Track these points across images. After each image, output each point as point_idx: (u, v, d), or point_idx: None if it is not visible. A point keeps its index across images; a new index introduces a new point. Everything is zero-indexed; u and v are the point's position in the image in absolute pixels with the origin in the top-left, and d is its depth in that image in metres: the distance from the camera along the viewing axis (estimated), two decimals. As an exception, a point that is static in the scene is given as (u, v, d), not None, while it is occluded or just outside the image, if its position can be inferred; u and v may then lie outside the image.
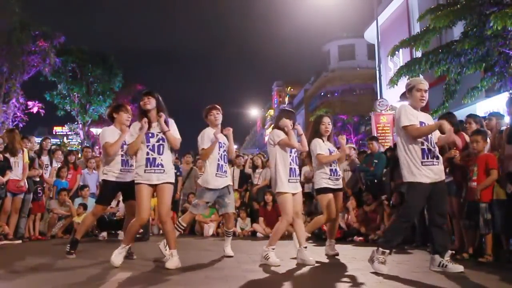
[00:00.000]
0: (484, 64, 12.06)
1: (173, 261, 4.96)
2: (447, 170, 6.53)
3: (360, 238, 8.53)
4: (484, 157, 5.84)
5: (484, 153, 5.91)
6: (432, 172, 4.84)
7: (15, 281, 4.51)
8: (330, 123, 6.38)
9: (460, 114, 10.43)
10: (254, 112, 75.94)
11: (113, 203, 9.87)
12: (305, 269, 5.04)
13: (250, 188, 11.07)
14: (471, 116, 6.94)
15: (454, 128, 6.12)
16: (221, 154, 6.10)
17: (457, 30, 13.18)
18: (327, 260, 5.97)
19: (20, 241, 8.33)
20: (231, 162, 11.90)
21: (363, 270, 4.96)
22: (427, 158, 4.86)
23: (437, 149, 4.94)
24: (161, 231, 10.31)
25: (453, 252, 5.28)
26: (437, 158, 4.90)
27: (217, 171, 6.00)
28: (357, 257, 6.16)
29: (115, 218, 9.75)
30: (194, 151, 11.76)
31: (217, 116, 6.17)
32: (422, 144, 4.89)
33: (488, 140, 6.25)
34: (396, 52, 15.19)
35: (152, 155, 5.21)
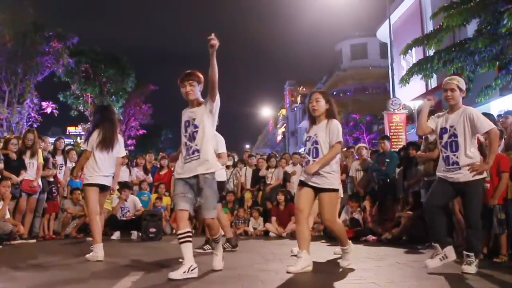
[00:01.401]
0: (498, 62, 11.97)
1: None
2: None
3: (373, 237, 8.49)
4: (496, 157, 5.75)
5: (497, 153, 5.82)
6: (446, 173, 4.93)
7: (29, 279, 4.55)
8: (320, 99, 5.13)
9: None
10: (266, 111, 75.90)
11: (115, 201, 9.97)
12: (317, 269, 5.02)
13: (263, 187, 11.08)
14: (485, 115, 6.86)
15: None
16: (190, 132, 4.81)
17: (471, 28, 13.08)
18: (339, 259, 5.95)
19: (34, 240, 8.41)
20: (243, 162, 11.95)
21: (375, 270, 4.94)
22: (447, 165, 4.93)
23: (458, 156, 4.86)
24: (174, 231, 10.35)
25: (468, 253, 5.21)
26: (456, 164, 4.86)
27: (185, 155, 4.79)
28: (370, 257, 6.13)
29: (124, 219, 9.78)
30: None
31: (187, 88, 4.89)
32: (443, 152, 5.00)
33: (503, 139, 6.17)
34: (409, 51, 15.12)
35: None
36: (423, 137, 7.84)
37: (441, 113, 5.17)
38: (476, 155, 4.87)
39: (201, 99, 4.88)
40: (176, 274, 4.35)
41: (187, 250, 4.53)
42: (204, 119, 4.75)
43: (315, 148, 5.06)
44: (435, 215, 4.88)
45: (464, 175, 4.81)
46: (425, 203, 5.10)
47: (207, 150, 4.72)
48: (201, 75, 4.89)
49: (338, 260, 5.33)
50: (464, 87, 5.03)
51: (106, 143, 6.20)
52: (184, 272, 4.39)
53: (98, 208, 6.19)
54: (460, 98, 4.99)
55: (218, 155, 6.97)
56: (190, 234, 4.61)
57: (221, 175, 7.15)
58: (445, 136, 4.97)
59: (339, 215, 9.12)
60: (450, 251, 4.81)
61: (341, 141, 5.02)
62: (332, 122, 5.07)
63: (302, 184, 5.09)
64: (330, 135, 5.01)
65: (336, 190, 5.05)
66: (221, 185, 7.26)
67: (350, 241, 5.32)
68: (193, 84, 4.82)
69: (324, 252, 6.70)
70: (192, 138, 4.76)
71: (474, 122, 4.80)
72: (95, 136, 6.20)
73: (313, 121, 5.24)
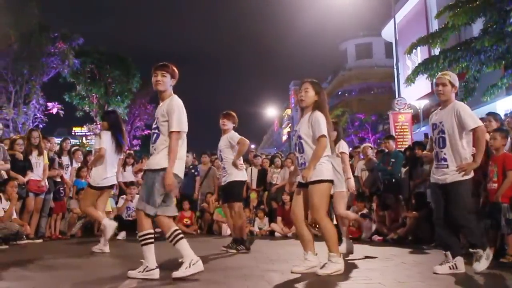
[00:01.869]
0: (504, 61, 11.90)
1: None
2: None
3: (379, 238, 8.48)
4: (501, 157, 5.70)
5: (502, 153, 5.77)
6: (436, 174, 4.96)
7: (35, 279, 4.58)
8: (309, 89, 4.95)
9: (480, 112, 10.30)
10: (271, 111, 75.91)
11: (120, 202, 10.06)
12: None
13: (268, 187, 11.07)
14: (491, 114, 6.84)
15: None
16: (152, 132, 4.87)
17: (477, 27, 13.03)
18: (345, 259, 5.94)
19: (41, 240, 8.43)
20: (248, 162, 11.95)
21: (381, 270, 4.94)
22: (436, 161, 4.97)
23: (446, 152, 4.85)
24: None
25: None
26: (444, 160, 4.86)
27: None
28: (378, 257, 6.12)
29: (130, 219, 9.78)
30: (211, 151, 11.83)
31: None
32: (434, 148, 5.05)
33: (509, 139, 6.13)
34: (414, 50, 15.08)
35: None
36: (429, 136, 7.82)
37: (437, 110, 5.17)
38: (465, 152, 4.80)
39: (170, 93, 4.73)
40: (179, 273, 4.31)
41: (183, 247, 4.43)
42: (162, 122, 4.58)
43: (299, 143, 4.89)
44: (445, 227, 4.87)
45: (450, 176, 4.80)
46: (433, 219, 5.10)
47: (158, 154, 4.55)
48: (176, 70, 4.78)
49: (318, 269, 4.69)
50: (456, 83, 4.97)
51: (121, 148, 6.98)
52: (186, 268, 4.33)
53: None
54: (452, 94, 4.94)
55: (238, 142, 6.97)
56: (179, 231, 4.52)
57: (242, 175, 7.14)
58: (435, 132, 4.98)
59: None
60: (460, 262, 4.75)
61: (324, 134, 4.70)
62: (314, 114, 4.81)
63: (298, 185, 4.97)
64: (312, 129, 4.77)
65: (327, 181, 4.73)
66: (242, 184, 7.25)
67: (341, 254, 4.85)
68: (165, 75, 4.67)
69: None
70: (152, 139, 4.70)
71: (461, 118, 4.73)
72: (109, 138, 6.84)
73: (302, 113, 5.04)
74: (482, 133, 4.76)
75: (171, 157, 4.46)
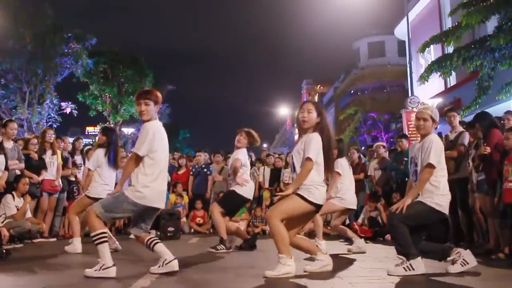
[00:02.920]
0: (518, 59, 11.75)
1: None
2: (480, 167, 6.40)
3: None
4: None
5: None
6: None
7: (49, 277, 4.63)
8: (312, 110, 4.67)
9: (495, 111, 10.20)
10: (283, 110, 75.78)
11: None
12: (335, 268, 4.99)
13: (281, 186, 11.04)
14: (509, 112, 6.80)
15: (487, 126, 6.05)
16: None
17: (491, 24, 12.89)
18: (358, 259, 5.92)
19: (54, 239, 8.50)
20: (261, 161, 11.95)
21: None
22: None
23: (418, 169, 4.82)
24: (192, 230, 10.40)
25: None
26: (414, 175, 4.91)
27: None
28: (389, 256, 6.08)
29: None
30: (224, 150, 11.83)
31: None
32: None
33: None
34: (427, 48, 14.94)
35: None
36: (443, 136, 7.77)
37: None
38: (435, 185, 4.68)
39: (154, 119, 4.75)
40: (90, 272, 4.45)
41: (104, 251, 4.50)
42: None
43: (292, 163, 4.75)
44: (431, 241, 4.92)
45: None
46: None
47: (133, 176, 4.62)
48: (159, 95, 4.77)
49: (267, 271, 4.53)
50: (437, 118, 4.89)
51: (116, 165, 7.16)
52: (96, 270, 4.45)
53: None
54: (432, 129, 4.88)
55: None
56: (105, 235, 4.58)
57: (248, 192, 7.05)
58: (412, 165, 4.97)
59: (358, 217, 9.14)
60: (468, 255, 4.69)
61: (311, 157, 4.46)
62: (309, 134, 4.62)
63: None
64: (303, 148, 4.56)
65: (309, 202, 4.50)
66: (240, 199, 7.03)
67: (292, 260, 4.54)
68: (148, 104, 4.64)
69: (342, 251, 6.67)
70: None
71: (427, 151, 4.67)
72: (102, 155, 6.97)
73: (304, 133, 4.79)
74: (427, 173, 4.64)
75: (123, 174, 4.82)
